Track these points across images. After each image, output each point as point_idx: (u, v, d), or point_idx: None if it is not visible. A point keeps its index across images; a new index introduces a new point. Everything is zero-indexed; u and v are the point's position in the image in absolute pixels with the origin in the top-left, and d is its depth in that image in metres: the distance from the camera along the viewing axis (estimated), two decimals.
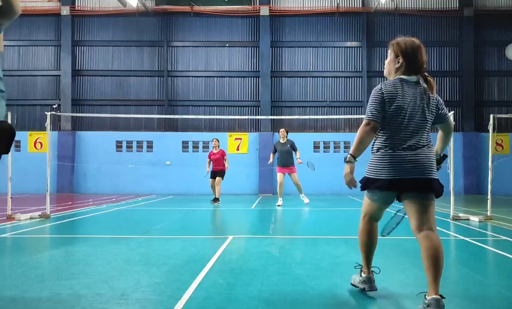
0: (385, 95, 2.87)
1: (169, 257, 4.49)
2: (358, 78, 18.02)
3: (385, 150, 2.82)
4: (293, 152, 11.00)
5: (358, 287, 3.18)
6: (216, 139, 12.47)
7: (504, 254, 4.69)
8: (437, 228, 6.05)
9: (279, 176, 11.11)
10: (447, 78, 18.12)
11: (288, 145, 10.97)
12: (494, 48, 18.12)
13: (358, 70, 18.02)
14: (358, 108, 17.91)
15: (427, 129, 2.89)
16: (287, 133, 11.21)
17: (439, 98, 3.01)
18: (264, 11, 17.81)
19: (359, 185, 2.96)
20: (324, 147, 17.37)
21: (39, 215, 7.96)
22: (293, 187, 11.64)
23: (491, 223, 7.43)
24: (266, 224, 7.75)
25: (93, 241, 5.52)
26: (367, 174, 2.92)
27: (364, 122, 2.86)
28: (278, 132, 11.53)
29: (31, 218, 7.81)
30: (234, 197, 15.21)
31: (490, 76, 18.13)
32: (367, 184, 2.92)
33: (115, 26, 18.31)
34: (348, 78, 18.06)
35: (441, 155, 3.08)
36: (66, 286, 3.33)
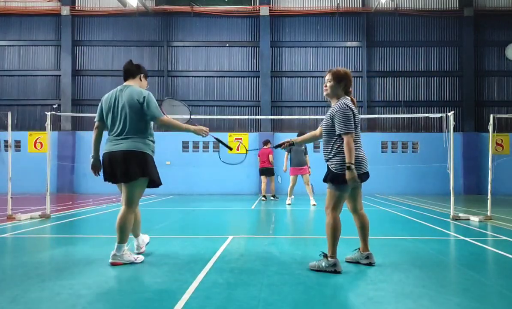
0: (353, 111, 3.85)
1: (169, 257, 4.49)
2: (358, 78, 18.01)
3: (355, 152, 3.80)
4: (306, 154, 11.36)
5: (326, 270, 3.79)
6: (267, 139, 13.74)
7: (504, 254, 4.69)
8: (437, 228, 6.11)
9: (293, 179, 11.39)
10: (447, 78, 18.12)
11: (303, 147, 11.15)
12: (494, 48, 18.12)
13: (358, 70, 18.02)
14: (358, 108, 17.79)
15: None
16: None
17: None
18: (264, 11, 17.82)
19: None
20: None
21: (39, 215, 7.96)
22: (302, 188, 11.79)
23: (491, 223, 7.43)
24: (266, 224, 7.75)
25: (93, 241, 5.52)
26: (342, 172, 3.76)
27: (348, 136, 3.74)
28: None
29: (31, 218, 7.81)
30: (234, 197, 15.21)
31: (490, 76, 18.13)
32: (344, 180, 3.75)
33: (115, 26, 18.32)
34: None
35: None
36: (66, 286, 3.34)
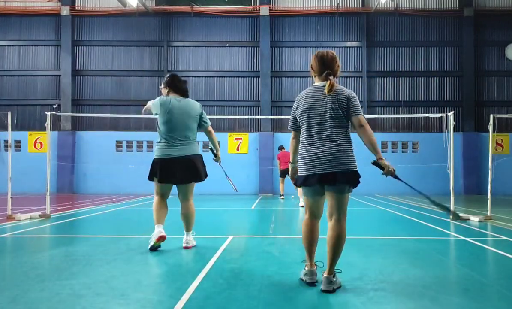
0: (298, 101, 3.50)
1: (169, 257, 4.49)
2: (358, 78, 18.02)
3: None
4: None
5: (302, 279, 3.45)
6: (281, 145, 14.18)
7: (504, 254, 4.69)
8: (437, 228, 6.08)
9: None
10: (447, 78, 18.12)
11: None
12: (494, 48, 18.13)
13: (358, 70, 18.02)
14: None
15: None
16: None
17: None
18: (264, 11, 17.82)
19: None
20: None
21: (39, 215, 7.96)
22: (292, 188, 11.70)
23: (491, 223, 7.43)
24: (266, 224, 7.75)
25: (93, 241, 5.52)
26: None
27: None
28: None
29: (31, 218, 7.80)
30: (234, 197, 15.21)
31: (490, 76, 18.13)
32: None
33: (115, 26, 18.32)
34: (348, 78, 18.07)
35: None
36: (66, 286, 3.33)
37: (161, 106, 4.73)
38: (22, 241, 5.74)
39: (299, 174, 3.39)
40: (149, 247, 4.77)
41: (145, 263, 4.19)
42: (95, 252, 4.69)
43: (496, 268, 4.28)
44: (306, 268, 3.41)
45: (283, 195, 14.02)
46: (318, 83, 3.39)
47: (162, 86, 4.95)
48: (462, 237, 5.90)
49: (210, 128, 5.16)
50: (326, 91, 3.24)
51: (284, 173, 13.55)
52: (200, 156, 5.01)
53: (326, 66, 3.35)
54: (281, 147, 14.01)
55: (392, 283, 3.49)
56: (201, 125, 5.07)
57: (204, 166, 5.08)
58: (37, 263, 4.19)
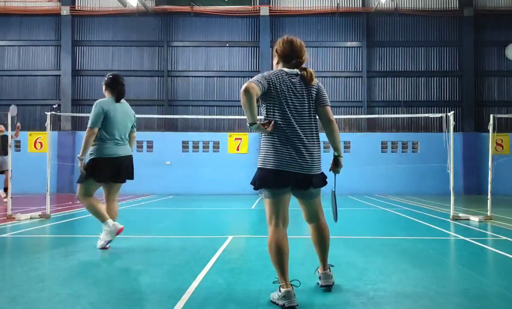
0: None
1: (169, 257, 4.49)
2: (358, 78, 18.02)
3: None
4: None
5: (277, 304, 2.81)
6: None
7: (504, 254, 4.69)
8: (437, 228, 6.10)
9: None
10: (447, 78, 18.12)
11: None
12: (494, 48, 18.13)
13: (358, 70, 18.02)
14: (358, 108, 17.92)
15: None
16: None
17: None
18: (264, 11, 17.82)
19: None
20: (324, 147, 17.30)
21: (39, 215, 7.95)
22: None
23: (491, 223, 7.43)
24: (266, 224, 7.75)
25: (93, 241, 5.51)
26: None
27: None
28: None
29: (31, 218, 7.80)
30: (234, 197, 15.21)
31: (490, 76, 18.14)
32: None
33: (115, 26, 18.32)
34: (348, 78, 18.07)
35: None
36: (66, 286, 3.33)
37: (104, 111, 4.80)
38: (22, 241, 5.74)
39: (261, 167, 2.90)
40: (105, 245, 4.80)
41: (145, 263, 4.19)
42: (95, 252, 4.69)
43: (496, 268, 4.28)
44: (282, 290, 2.77)
45: None
46: (287, 69, 3.01)
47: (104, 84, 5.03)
48: (462, 237, 5.90)
49: (135, 134, 5.23)
50: (308, 80, 2.96)
51: None
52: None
53: (295, 53, 3.06)
54: None
55: (392, 283, 3.49)
56: (132, 130, 5.11)
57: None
58: (37, 263, 4.19)
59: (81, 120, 17.92)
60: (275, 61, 3.16)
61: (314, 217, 3.17)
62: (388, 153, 17.35)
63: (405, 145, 17.67)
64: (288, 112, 2.88)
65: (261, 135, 3.00)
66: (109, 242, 4.82)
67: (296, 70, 3.02)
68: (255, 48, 18.16)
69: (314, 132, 2.97)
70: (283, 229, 2.94)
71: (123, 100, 5.03)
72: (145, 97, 18.08)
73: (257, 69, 18.01)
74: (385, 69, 18.13)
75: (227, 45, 18.20)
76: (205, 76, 18.24)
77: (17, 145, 17.23)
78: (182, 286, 3.31)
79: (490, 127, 7.91)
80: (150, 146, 17.48)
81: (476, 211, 9.33)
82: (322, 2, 18.26)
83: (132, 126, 5.08)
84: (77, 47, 18.28)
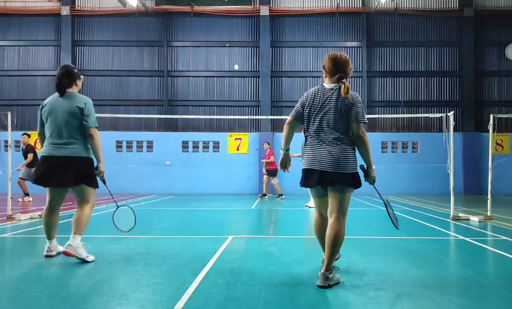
0: (302, 99, 3.61)
1: (169, 257, 4.49)
2: (358, 78, 18.01)
3: None
4: None
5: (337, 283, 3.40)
6: (267, 142, 14.91)
7: (504, 254, 4.69)
8: (437, 228, 6.11)
9: None
10: (447, 78, 18.11)
11: None
12: (494, 48, 18.12)
13: (358, 70, 18.01)
14: None
15: None
16: None
17: None
18: (264, 11, 17.81)
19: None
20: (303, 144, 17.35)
21: (39, 215, 7.95)
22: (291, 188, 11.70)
23: (491, 223, 7.43)
24: (266, 224, 7.75)
25: (92, 241, 5.52)
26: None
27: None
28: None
29: (31, 218, 7.81)
30: (234, 197, 15.21)
31: (490, 76, 18.13)
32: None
33: (115, 26, 18.31)
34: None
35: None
36: (66, 286, 3.33)
37: (41, 110, 4.59)
38: (22, 241, 5.75)
39: (302, 168, 3.49)
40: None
41: (145, 263, 4.19)
42: (95, 252, 4.69)
43: (496, 268, 4.28)
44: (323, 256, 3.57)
45: (281, 194, 14.23)
46: (327, 85, 3.47)
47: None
48: (462, 237, 5.90)
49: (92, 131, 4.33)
50: (343, 94, 3.33)
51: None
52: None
53: (338, 69, 3.45)
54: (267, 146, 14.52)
55: (392, 283, 3.49)
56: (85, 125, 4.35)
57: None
58: (37, 263, 4.19)
59: None
60: (323, 74, 3.59)
61: (333, 211, 3.39)
62: (388, 153, 17.35)
63: (405, 145, 17.67)
64: (321, 121, 3.39)
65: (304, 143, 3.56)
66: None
67: (335, 85, 3.44)
68: (255, 48, 18.15)
69: (343, 138, 3.36)
70: (322, 216, 3.59)
71: (71, 93, 4.46)
72: (145, 97, 18.07)
73: (257, 69, 18.00)
74: (385, 69, 18.12)
75: (227, 45, 18.19)
76: (205, 76, 18.23)
77: (17, 145, 17.23)
78: (182, 286, 3.31)
79: (490, 127, 7.91)
80: (150, 146, 17.48)
81: (476, 211, 9.33)
82: (322, 2, 18.25)
83: (81, 120, 4.29)
84: (77, 47, 18.27)
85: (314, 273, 3.80)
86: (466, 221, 7.65)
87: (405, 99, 18.02)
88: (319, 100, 3.42)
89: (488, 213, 7.84)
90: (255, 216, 9.34)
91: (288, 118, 3.54)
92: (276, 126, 17.89)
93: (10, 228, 6.73)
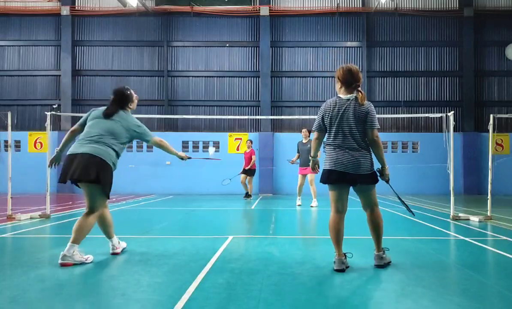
0: (323, 111, 4.01)
1: (169, 257, 4.49)
2: None
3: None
4: None
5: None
6: (250, 140, 14.11)
7: (504, 254, 4.69)
8: (437, 228, 6.12)
9: (301, 178, 11.22)
10: (447, 78, 18.12)
11: (309, 146, 11.05)
12: (494, 48, 18.12)
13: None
14: None
15: None
16: (309, 133, 11.29)
17: None
18: (264, 11, 17.82)
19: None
20: (324, 147, 17.35)
21: (39, 215, 7.96)
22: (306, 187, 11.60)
23: (491, 223, 7.43)
24: (266, 224, 7.75)
25: (92, 241, 5.52)
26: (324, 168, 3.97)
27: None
28: (300, 131, 11.50)
29: (31, 218, 7.81)
30: (234, 197, 15.21)
31: (490, 76, 18.13)
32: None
33: (115, 26, 18.32)
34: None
35: None
36: (66, 286, 3.33)
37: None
38: (22, 241, 5.74)
39: (324, 168, 3.93)
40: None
41: (145, 263, 4.19)
42: (95, 252, 4.69)
43: (496, 268, 4.28)
44: (336, 257, 3.87)
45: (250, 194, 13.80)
46: (343, 96, 3.88)
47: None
48: (462, 237, 5.90)
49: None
50: (360, 101, 3.81)
51: (244, 172, 13.56)
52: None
53: (354, 78, 3.87)
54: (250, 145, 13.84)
55: (392, 283, 3.49)
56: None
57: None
58: (37, 263, 4.19)
59: None
60: (337, 85, 3.98)
61: (366, 206, 4.01)
62: (388, 153, 17.34)
63: (405, 145, 17.67)
64: (336, 130, 3.84)
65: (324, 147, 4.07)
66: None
67: (351, 95, 3.86)
68: (255, 48, 18.15)
69: (361, 142, 3.83)
70: (338, 212, 3.94)
71: (120, 115, 4.60)
72: (145, 97, 18.07)
73: (257, 69, 18.00)
74: (385, 69, 18.13)
75: (227, 45, 18.19)
76: (205, 76, 18.23)
77: (17, 145, 17.24)
78: (182, 286, 3.31)
79: (490, 127, 7.91)
80: (150, 146, 17.41)
81: (476, 211, 9.33)
82: (322, 2, 18.26)
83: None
84: (77, 47, 18.27)
85: (314, 273, 3.80)
86: (466, 221, 7.65)
87: (405, 99, 18.02)
88: (338, 111, 3.82)
89: (488, 213, 7.84)
90: (255, 216, 9.34)
91: (315, 134, 4.03)
92: (276, 126, 17.90)
93: (10, 228, 6.73)
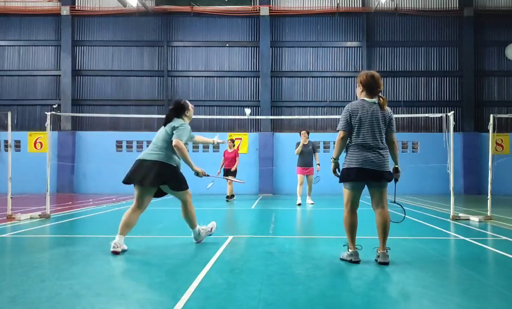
0: (350, 111, 4.21)
1: (169, 257, 4.49)
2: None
3: None
4: (313, 154, 11.26)
5: (346, 260, 4.19)
6: (231, 139, 13.74)
7: (504, 254, 4.69)
8: (437, 228, 6.13)
9: (300, 177, 11.29)
10: (447, 78, 18.11)
11: (310, 147, 11.17)
12: (494, 48, 18.12)
13: (358, 70, 18.00)
14: None
15: None
16: (308, 135, 11.36)
17: None
18: (264, 11, 17.81)
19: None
20: (324, 147, 17.37)
21: (39, 215, 7.95)
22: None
23: (491, 223, 7.43)
24: (266, 224, 7.75)
25: (93, 241, 5.52)
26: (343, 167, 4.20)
27: (339, 132, 4.17)
28: (299, 133, 11.50)
29: (31, 218, 7.80)
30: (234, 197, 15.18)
31: (490, 76, 18.13)
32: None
33: (115, 26, 18.31)
34: (348, 78, 18.06)
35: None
36: (66, 286, 3.33)
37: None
38: (22, 241, 5.74)
39: (347, 167, 4.09)
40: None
41: (145, 263, 4.19)
42: (95, 252, 4.69)
43: (496, 268, 4.28)
44: (350, 250, 4.17)
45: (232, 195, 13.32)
46: (368, 99, 4.12)
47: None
48: (462, 237, 5.90)
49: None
50: (383, 106, 4.09)
51: (227, 173, 12.79)
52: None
53: (377, 84, 4.11)
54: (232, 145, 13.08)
55: (392, 283, 3.49)
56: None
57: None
58: (37, 263, 4.19)
59: (81, 120, 17.92)
60: (359, 90, 4.22)
61: (378, 203, 4.19)
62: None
63: (405, 146, 17.67)
64: (366, 130, 4.06)
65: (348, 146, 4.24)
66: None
67: (375, 99, 4.13)
68: (255, 48, 18.15)
69: (384, 143, 4.15)
70: (353, 211, 4.24)
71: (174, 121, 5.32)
72: (145, 97, 18.07)
73: (257, 69, 18.00)
74: (385, 69, 18.12)
75: (227, 45, 18.19)
76: (205, 76, 18.23)
77: (17, 145, 17.24)
78: (182, 286, 3.31)
79: (490, 127, 7.91)
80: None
81: (476, 211, 9.32)
82: (322, 2, 18.25)
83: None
84: (77, 47, 18.27)
85: (314, 273, 3.80)
86: (466, 221, 7.65)
87: (405, 99, 18.02)
88: (366, 112, 4.06)
89: (488, 213, 7.84)
90: (255, 216, 9.34)
91: (341, 133, 4.12)
92: (276, 126, 17.90)
93: (10, 228, 6.73)
